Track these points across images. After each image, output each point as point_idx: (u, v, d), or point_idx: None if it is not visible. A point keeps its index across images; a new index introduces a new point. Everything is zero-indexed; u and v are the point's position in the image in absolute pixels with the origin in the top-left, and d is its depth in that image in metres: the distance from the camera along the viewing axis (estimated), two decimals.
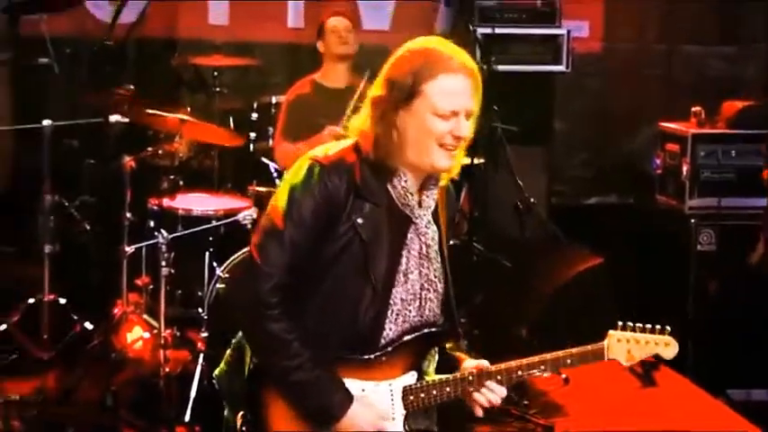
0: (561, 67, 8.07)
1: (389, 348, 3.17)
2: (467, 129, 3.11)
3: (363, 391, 3.17)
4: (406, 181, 3.16)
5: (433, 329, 3.22)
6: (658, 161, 7.21)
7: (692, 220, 6.83)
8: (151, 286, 5.94)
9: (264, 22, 8.51)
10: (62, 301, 6.18)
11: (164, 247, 5.59)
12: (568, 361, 3.32)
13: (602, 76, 8.84)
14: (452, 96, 3.08)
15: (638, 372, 6.47)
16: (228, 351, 3.35)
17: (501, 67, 7.79)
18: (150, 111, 5.75)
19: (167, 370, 5.49)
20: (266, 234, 3.16)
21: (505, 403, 5.71)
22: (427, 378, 3.22)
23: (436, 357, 3.28)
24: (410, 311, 3.19)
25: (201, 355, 5.48)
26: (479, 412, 3.24)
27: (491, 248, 6.96)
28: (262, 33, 8.53)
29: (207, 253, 5.87)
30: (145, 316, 5.95)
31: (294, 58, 8.33)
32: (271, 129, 7.19)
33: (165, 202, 5.93)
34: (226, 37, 8.44)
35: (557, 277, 7.00)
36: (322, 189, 3.11)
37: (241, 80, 8.16)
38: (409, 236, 3.18)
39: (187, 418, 5.37)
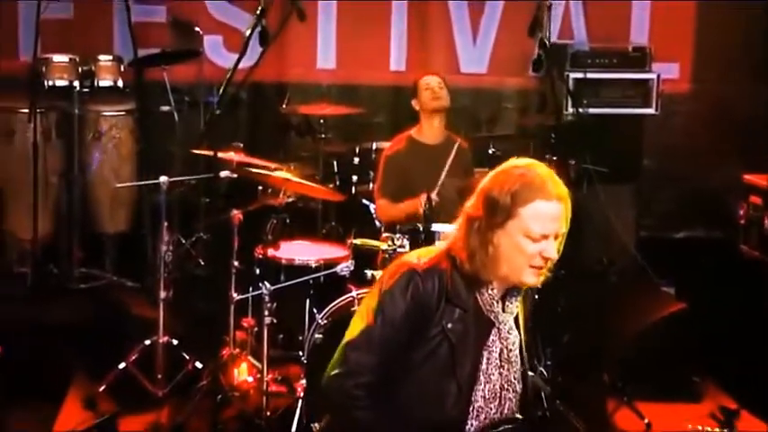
0: (651, 110, 8.01)
1: None
2: (555, 250, 3.17)
3: None
4: (492, 289, 3.22)
5: (512, 425, 3.28)
6: (741, 212, 7.08)
7: None
8: (256, 329, 6.03)
9: (369, 65, 8.59)
10: (175, 342, 6.33)
11: (267, 297, 5.68)
12: None
13: (690, 115, 8.73)
14: (545, 221, 3.14)
15: (720, 419, 6.38)
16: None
17: (592, 110, 7.77)
18: (256, 170, 5.85)
19: (268, 413, 5.57)
20: (359, 334, 3.22)
21: None
22: None
23: None
24: (491, 409, 3.25)
25: (300, 401, 5.54)
26: None
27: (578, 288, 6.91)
28: (366, 76, 8.61)
29: (307, 300, 5.94)
30: (250, 358, 6.05)
31: (396, 100, 8.39)
32: (371, 172, 7.28)
33: (270, 252, 6.02)
34: (332, 80, 8.56)
35: (642, 320, 6.93)
36: (414, 294, 3.17)
37: (345, 124, 8.25)
38: (491, 338, 3.23)
39: None
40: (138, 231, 7.91)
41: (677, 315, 6.90)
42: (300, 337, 5.91)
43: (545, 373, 6.16)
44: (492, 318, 3.22)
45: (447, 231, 5.85)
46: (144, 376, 6.28)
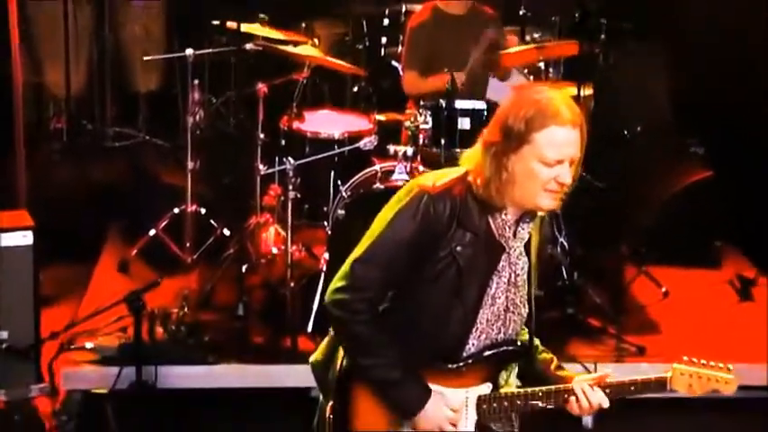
0: None
1: (470, 361, 3.30)
2: (570, 176, 3.18)
3: (442, 394, 3.30)
4: (506, 215, 3.25)
5: (511, 348, 3.34)
6: None
7: None
8: (282, 197, 6.09)
9: None
10: (203, 210, 6.43)
11: (290, 172, 5.73)
12: (632, 388, 3.41)
13: None
14: (560, 147, 3.14)
15: (737, 287, 6.44)
16: (323, 343, 3.46)
17: None
18: (279, 46, 5.82)
19: (292, 284, 5.69)
20: (366, 251, 3.26)
21: (603, 320, 5.88)
22: (502, 390, 3.35)
23: (515, 371, 3.39)
24: (493, 330, 3.31)
25: (323, 275, 5.66)
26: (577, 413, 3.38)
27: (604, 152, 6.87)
28: None
29: (332, 172, 5.99)
30: (276, 226, 6.14)
31: None
32: (401, 35, 7.19)
33: (295, 124, 6.03)
34: None
35: (666, 187, 6.92)
36: (425, 216, 3.20)
37: None
38: (501, 263, 3.27)
39: (309, 328, 5.60)
40: (169, 91, 7.92)
41: (702, 182, 6.91)
42: (325, 208, 5.98)
43: (565, 244, 6.20)
44: (503, 243, 3.26)
45: (469, 107, 5.96)
46: (173, 242, 6.42)
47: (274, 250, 6.04)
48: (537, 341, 3.45)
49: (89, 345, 5.46)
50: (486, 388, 3.33)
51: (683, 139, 7.54)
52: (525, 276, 3.32)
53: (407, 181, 5.67)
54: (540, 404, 3.32)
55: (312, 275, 5.81)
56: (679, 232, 6.80)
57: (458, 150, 5.93)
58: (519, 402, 3.31)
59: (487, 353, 3.30)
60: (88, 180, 7.43)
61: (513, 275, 3.29)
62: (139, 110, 8.13)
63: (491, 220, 3.25)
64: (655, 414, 5.61)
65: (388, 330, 3.26)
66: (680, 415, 5.61)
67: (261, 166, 6.10)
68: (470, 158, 3.27)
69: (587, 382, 3.33)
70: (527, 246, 3.33)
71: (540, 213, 3.34)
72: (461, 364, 3.29)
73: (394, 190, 5.42)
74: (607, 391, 3.33)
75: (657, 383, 3.37)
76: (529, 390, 3.32)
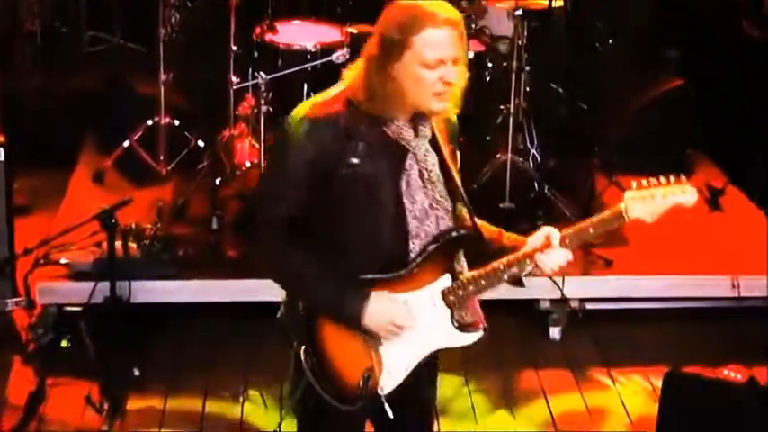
0: None
1: (418, 260, 3.31)
2: (455, 75, 3.20)
3: (407, 302, 3.31)
4: (399, 121, 3.27)
5: (453, 234, 3.33)
6: None
7: None
8: (256, 110, 6.06)
9: None
10: (177, 122, 6.41)
11: (263, 86, 5.70)
12: (591, 231, 3.29)
13: None
14: (439, 47, 3.16)
15: (706, 196, 6.47)
16: (282, 298, 3.46)
17: None
18: None
19: None
20: (267, 183, 3.35)
21: None
22: (461, 277, 3.34)
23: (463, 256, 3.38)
24: (429, 227, 3.31)
25: None
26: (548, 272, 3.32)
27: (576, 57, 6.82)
28: None
29: (305, 84, 5.94)
30: (251, 138, 6.13)
31: None
32: None
33: (268, 36, 5.98)
34: None
35: (638, 96, 6.91)
36: (312, 143, 3.21)
37: None
38: (408, 162, 3.29)
39: None
40: None
41: (674, 91, 6.89)
42: None
43: (537, 156, 6.22)
44: (404, 144, 3.28)
45: None
46: (148, 154, 6.42)
47: (247, 163, 6.04)
48: (481, 222, 3.44)
49: (63, 260, 5.49)
50: (446, 280, 3.33)
51: (656, 45, 7.49)
52: (438, 171, 3.31)
53: None
54: (505, 276, 3.31)
55: None
56: (651, 141, 6.80)
57: None
58: (483, 282, 3.31)
59: (431, 247, 3.31)
60: (63, 86, 7.37)
61: (425, 172, 3.29)
62: (114, 12, 8.00)
63: (384, 128, 3.26)
64: (618, 324, 5.74)
65: (325, 258, 3.28)
66: (640, 325, 5.73)
67: (234, 79, 6.06)
68: (350, 75, 3.29)
69: (541, 247, 3.28)
70: (434, 144, 3.32)
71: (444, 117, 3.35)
72: (412, 266, 3.31)
73: None
74: (567, 242, 3.28)
75: (614, 217, 3.28)
76: (488, 267, 3.31)
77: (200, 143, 6.37)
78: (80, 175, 6.59)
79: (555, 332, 5.62)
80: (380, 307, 3.28)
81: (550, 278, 5.54)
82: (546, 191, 5.96)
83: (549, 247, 3.28)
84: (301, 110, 3.27)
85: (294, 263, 3.29)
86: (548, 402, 5.15)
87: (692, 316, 5.76)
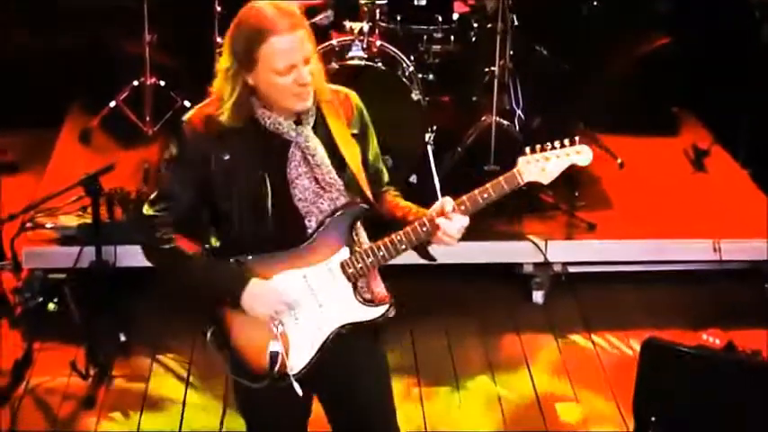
0: None
1: (314, 235, 3.37)
2: (308, 73, 3.26)
3: (305, 277, 3.36)
4: (271, 116, 3.32)
5: (343, 210, 3.38)
6: None
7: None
8: None
9: None
10: (162, 83, 6.37)
11: None
12: (485, 195, 3.33)
13: None
14: (286, 54, 3.21)
15: (691, 157, 6.46)
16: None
17: None
18: None
19: None
20: (157, 190, 3.42)
21: (557, 196, 5.91)
22: (358, 249, 3.39)
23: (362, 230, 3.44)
24: (322, 205, 3.37)
25: None
26: (452, 242, 3.35)
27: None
28: None
29: None
30: None
31: None
32: None
33: None
34: None
35: (624, 54, 6.85)
36: (185, 141, 3.32)
37: None
38: (291, 150, 3.35)
39: None
40: None
41: (662, 48, 6.84)
42: None
43: (522, 116, 6.19)
44: (283, 135, 3.34)
45: None
46: (134, 114, 6.39)
47: None
48: (394, 197, 3.52)
49: (50, 224, 5.49)
50: (344, 253, 3.38)
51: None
52: (323, 153, 3.37)
53: (363, 58, 5.67)
54: (403, 247, 3.36)
55: None
56: (638, 100, 6.78)
57: (414, 27, 5.89)
58: (382, 253, 3.36)
59: (327, 221, 3.36)
60: (50, 43, 7.30)
61: (309, 157, 3.35)
62: None
63: (261, 121, 3.31)
64: (601, 287, 5.75)
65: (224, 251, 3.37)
66: (623, 288, 5.75)
67: (219, 39, 6.01)
68: (216, 89, 3.34)
69: (436, 215, 3.34)
70: (323, 127, 3.38)
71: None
72: (308, 240, 3.36)
73: (348, 68, 5.56)
74: (462, 208, 3.32)
75: (508, 181, 3.34)
76: (386, 238, 3.37)
77: (187, 103, 6.33)
78: (67, 134, 6.57)
79: (538, 296, 5.63)
80: (254, 293, 3.31)
81: (533, 242, 5.61)
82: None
83: (444, 214, 3.32)
84: (184, 116, 3.38)
85: (174, 252, 3.36)
86: (528, 368, 5.18)
87: (674, 279, 5.77)
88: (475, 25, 6.16)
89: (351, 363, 3.45)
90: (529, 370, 5.16)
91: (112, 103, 6.36)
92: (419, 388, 5.00)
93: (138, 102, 6.40)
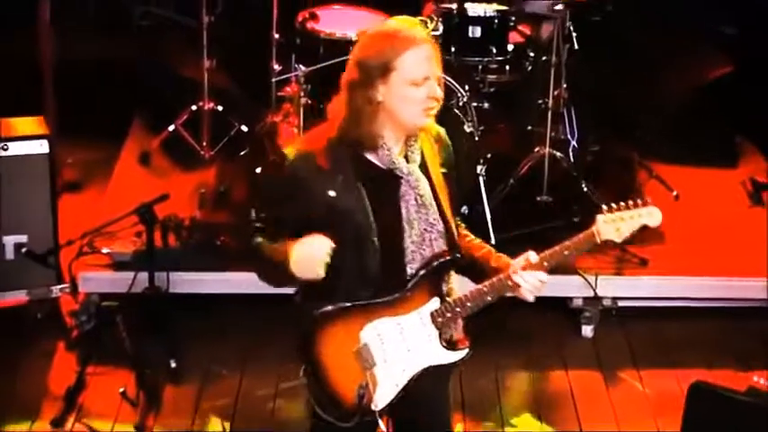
0: None
1: (410, 285, 3.42)
2: (438, 89, 3.33)
3: (399, 324, 3.42)
4: (389, 148, 3.35)
5: (443, 260, 3.43)
6: None
7: None
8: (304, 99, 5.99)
9: None
10: (220, 108, 6.42)
11: (302, 79, 5.68)
12: (565, 253, 3.43)
13: None
14: (423, 64, 3.29)
15: (749, 190, 6.35)
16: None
17: None
18: None
19: None
20: (256, 219, 3.47)
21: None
22: (449, 299, 3.46)
23: (453, 277, 3.50)
24: (424, 250, 3.42)
25: None
26: (530, 299, 3.45)
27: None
28: None
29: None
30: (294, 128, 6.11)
31: None
32: None
33: (310, 25, 5.94)
34: None
35: (684, 80, 6.76)
36: (294, 178, 3.34)
37: None
38: (402, 189, 3.38)
39: None
40: None
41: (725, 76, 6.74)
42: None
43: (576, 146, 6.14)
44: (397, 172, 3.37)
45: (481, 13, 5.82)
46: (193, 138, 6.45)
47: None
48: (472, 239, 3.57)
49: (105, 249, 5.57)
50: (434, 303, 3.44)
51: (710, 24, 7.28)
52: (431, 195, 3.41)
53: None
54: (489, 299, 3.43)
55: None
56: (696, 129, 6.68)
57: (468, 59, 5.87)
58: (469, 304, 3.44)
59: (422, 271, 3.41)
60: (115, 59, 7.42)
61: (418, 197, 3.39)
62: None
63: (372, 157, 3.35)
64: (650, 323, 5.69)
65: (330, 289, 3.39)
66: (673, 324, 5.68)
67: (276, 66, 6.06)
68: (334, 106, 3.37)
69: (520, 268, 3.41)
70: (424, 167, 3.43)
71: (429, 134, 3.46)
72: (405, 289, 3.41)
73: None
74: (545, 264, 3.41)
75: (587, 239, 3.42)
76: (474, 290, 3.44)
77: (244, 128, 6.38)
78: (127, 153, 6.63)
79: (587, 330, 5.59)
80: (297, 261, 3.33)
81: (582, 276, 5.56)
82: (583, 186, 5.88)
83: (527, 269, 3.39)
84: (289, 146, 3.41)
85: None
86: (575, 405, 5.14)
87: (725, 315, 5.69)
88: (531, 55, 6.13)
89: (424, 394, 3.54)
90: (575, 407, 5.13)
91: (171, 127, 6.42)
92: (464, 423, 4.99)
93: (196, 125, 6.47)
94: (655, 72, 6.68)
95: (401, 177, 3.37)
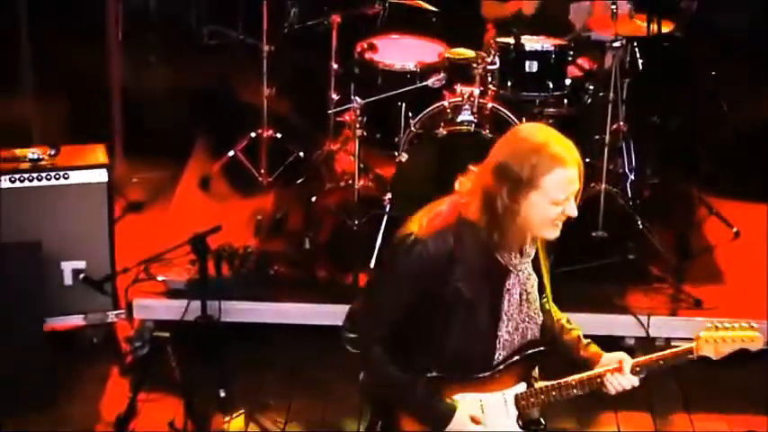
0: None
1: (500, 367, 3.44)
2: (576, 208, 3.28)
3: (481, 401, 3.45)
4: (510, 246, 3.33)
5: (535, 349, 3.47)
6: None
7: None
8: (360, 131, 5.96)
9: None
10: (278, 135, 6.44)
11: (358, 111, 5.69)
12: (660, 362, 3.48)
13: None
14: (567, 186, 3.22)
15: None
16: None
17: None
18: None
19: (356, 222, 5.73)
20: (371, 304, 3.50)
21: (663, 268, 5.74)
22: (537, 385, 3.49)
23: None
24: (515, 339, 3.44)
25: (384, 215, 5.66)
26: (612, 393, 3.49)
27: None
28: None
29: (403, 104, 5.89)
30: (351, 157, 6.10)
31: None
32: None
33: (368, 55, 5.94)
34: None
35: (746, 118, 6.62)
36: (417, 261, 3.27)
37: None
38: (510, 282, 3.36)
39: (372, 265, 5.63)
40: None
41: None
42: (396, 139, 5.92)
43: (633, 180, 6.04)
44: (510, 267, 3.35)
45: (538, 48, 5.76)
46: (251, 164, 6.48)
47: (341, 184, 6.05)
48: (563, 323, 3.57)
49: (160, 277, 5.62)
50: (521, 387, 3.48)
51: None
52: (536, 290, 3.43)
53: (472, 122, 5.61)
54: (575, 392, 3.47)
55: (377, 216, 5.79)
56: (759, 163, 6.53)
57: (525, 93, 5.81)
58: (554, 393, 3.47)
59: (515, 358, 3.45)
60: (180, 79, 7.49)
61: (524, 293, 3.40)
62: (238, 7, 8.02)
63: (495, 253, 3.32)
64: (703, 365, 5.50)
65: (406, 357, 3.40)
66: (727, 367, 5.48)
67: (334, 95, 6.06)
68: (465, 189, 3.31)
69: (612, 370, 3.45)
70: (536, 261, 3.43)
71: None
72: (493, 372, 3.44)
73: (456, 136, 5.52)
74: (637, 369, 3.45)
75: (684, 353, 3.47)
76: (562, 381, 3.47)
77: (302, 155, 6.40)
78: (189, 175, 6.70)
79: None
80: (462, 417, 3.41)
81: (635, 316, 5.47)
82: (639, 223, 5.79)
83: (619, 372, 3.45)
84: (411, 227, 3.32)
85: (391, 373, 3.41)
86: None
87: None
88: (590, 88, 6.04)
89: None
90: None
91: (231, 153, 6.46)
92: None
93: (255, 151, 6.49)
94: (714, 104, 6.55)
95: (511, 272, 3.36)
